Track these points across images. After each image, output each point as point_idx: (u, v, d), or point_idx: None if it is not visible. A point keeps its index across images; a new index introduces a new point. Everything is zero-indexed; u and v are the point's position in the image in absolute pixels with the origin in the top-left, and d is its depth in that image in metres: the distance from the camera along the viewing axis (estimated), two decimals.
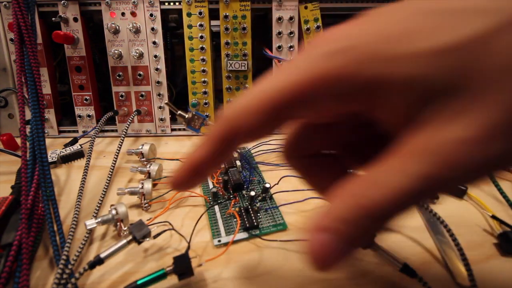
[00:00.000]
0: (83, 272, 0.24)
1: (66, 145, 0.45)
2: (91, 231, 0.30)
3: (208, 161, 0.17)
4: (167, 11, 0.48)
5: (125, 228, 0.30)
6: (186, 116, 0.34)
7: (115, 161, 0.39)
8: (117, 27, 0.47)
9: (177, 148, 0.47)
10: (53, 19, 0.46)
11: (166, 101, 0.40)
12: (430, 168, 0.13)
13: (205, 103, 0.49)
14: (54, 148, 0.44)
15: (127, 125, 0.45)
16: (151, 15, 0.47)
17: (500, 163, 0.13)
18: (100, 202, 0.33)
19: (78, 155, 0.43)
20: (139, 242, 0.26)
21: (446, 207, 0.34)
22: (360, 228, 0.14)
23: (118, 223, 0.30)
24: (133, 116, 0.47)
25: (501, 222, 0.30)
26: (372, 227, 0.14)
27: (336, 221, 0.14)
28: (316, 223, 0.14)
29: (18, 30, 0.37)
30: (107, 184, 0.36)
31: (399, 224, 0.31)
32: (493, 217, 0.31)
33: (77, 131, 0.50)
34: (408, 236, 0.30)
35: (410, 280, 0.25)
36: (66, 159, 0.43)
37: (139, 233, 0.26)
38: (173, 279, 0.25)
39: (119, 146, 0.41)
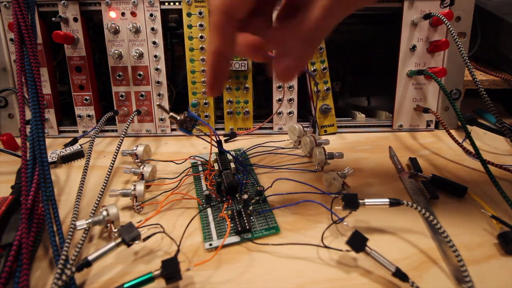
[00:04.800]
0: (70, 274, 0.23)
1: (66, 145, 0.45)
2: (88, 231, 0.30)
3: (224, 50, 0.23)
4: (167, 11, 0.48)
5: (115, 230, 0.29)
6: (178, 118, 0.34)
7: (114, 161, 0.39)
8: (117, 27, 0.47)
9: (177, 148, 0.47)
10: (53, 19, 0.46)
11: (157, 103, 0.40)
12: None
13: (205, 103, 0.49)
14: (54, 148, 0.44)
15: (127, 125, 0.45)
16: (151, 15, 0.47)
17: None
18: (97, 203, 0.33)
19: (78, 155, 0.43)
20: (129, 245, 0.26)
21: (447, 207, 0.34)
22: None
23: (109, 225, 0.29)
24: (133, 116, 0.47)
25: (501, 222, 0.30)
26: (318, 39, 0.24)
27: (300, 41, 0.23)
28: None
29: (18, 30, 0.37)
30: (104, 185, 0.36)
31: (400, 225, 0.31)
32: (493, 217, 0.31)
33: (77, 131, 0.50)
34: (408, 236, 0.30)
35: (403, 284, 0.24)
36: (66, 159, 0.43)
37: (129, 236, 0.26)
38: (161, 283, 0.25)
39: (118, 146, 0.41)
